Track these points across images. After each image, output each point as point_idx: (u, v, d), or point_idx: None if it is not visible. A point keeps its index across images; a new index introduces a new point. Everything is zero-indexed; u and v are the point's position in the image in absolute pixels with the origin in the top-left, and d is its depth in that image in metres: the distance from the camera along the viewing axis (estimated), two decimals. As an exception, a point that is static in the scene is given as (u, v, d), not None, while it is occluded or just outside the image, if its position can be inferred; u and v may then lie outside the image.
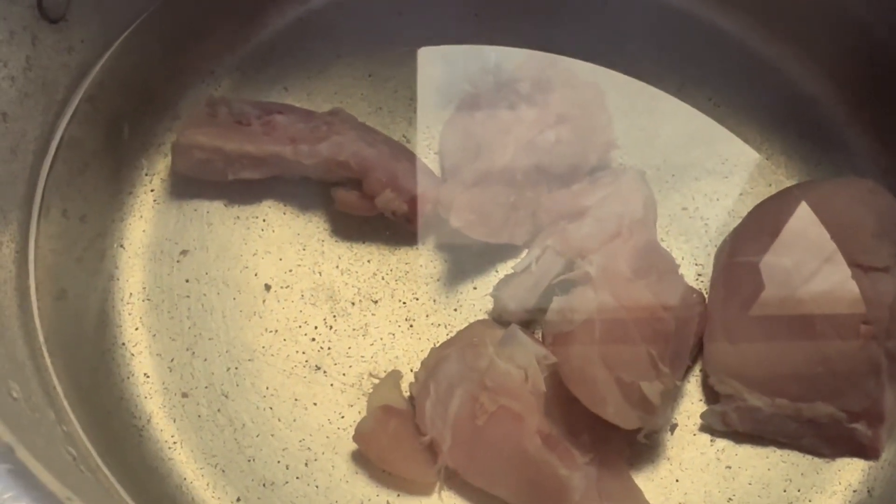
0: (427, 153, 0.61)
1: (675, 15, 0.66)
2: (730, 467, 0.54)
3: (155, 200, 0.59)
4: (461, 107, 0.62)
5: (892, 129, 0.62)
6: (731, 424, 0.54)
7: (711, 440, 0.54)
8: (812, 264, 0.53)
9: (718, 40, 0.66)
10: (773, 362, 0.54)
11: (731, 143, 0.63)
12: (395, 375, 0.54)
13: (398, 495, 0.52)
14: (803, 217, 0.54)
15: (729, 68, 0.65)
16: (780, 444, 0.54)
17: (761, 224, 0.56)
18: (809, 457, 0.54)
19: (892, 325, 0.52)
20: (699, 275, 0.59)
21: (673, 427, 0.54)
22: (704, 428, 0.55)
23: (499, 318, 0.56)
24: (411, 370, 0.55)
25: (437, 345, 0.55)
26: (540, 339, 0.54)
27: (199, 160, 0.57)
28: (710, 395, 0.55)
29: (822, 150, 0.63)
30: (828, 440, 0.54)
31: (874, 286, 0.52)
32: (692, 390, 0.56)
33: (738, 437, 0.54)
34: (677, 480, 0.53)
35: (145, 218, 0.58)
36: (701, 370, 0.56)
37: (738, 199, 0.61)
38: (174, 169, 0.58)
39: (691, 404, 0.55)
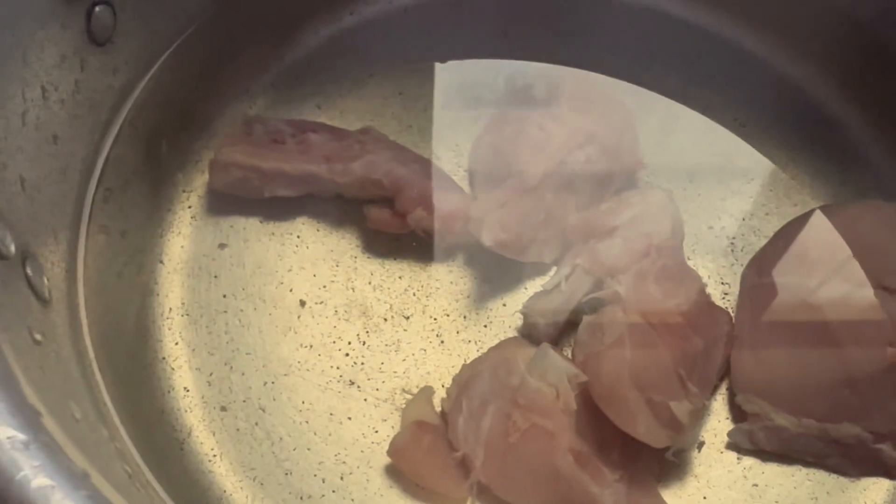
0: (457, 171, 0.62)
1: (703, 35, 0.67)
2: (756, 485, 0.54)
3: (193, 217, 0.60)
4: (490, 124, 0.63)
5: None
6: (758, 443, 0.55)
7: (738, 458, 0.55)
8: (838, 286, 0.54)
9: (745, 60, 0.67)
10: (800, 382, 0.54)
11: (757, 163, 0.64)
12: (427, 391, 0.55)
13: (431, 509, 0.53)
14: (829, 239, 0.55)
15: (755, 88, 0.66)
16: (807, 463, 0.55)
17: (788, 245, 0.57)
18: (835, 476, 0.55)
19: (919, 346, 0.53)
20: (725, 294, 0.60)
21: (700, 445, 0.55)
22: (731, 446, 0.55)
23: (528, 335, 0.57)
24: (442, 385, 0.56)
25: (468, 361, 0.56)
26: (570, 356, 0.55)
27: (236, 178, 0.58)
28: (738, 414, 0.56)
29: (848, 170, 0.64)
30: (853, 460, 0.54)
31: (901, 308, 0.53)
32: (719, 408, 0.57)
33: (765, 455, 0.55)
34: (705, 498, 0.54)
35: (183, 234, 0.59)
36: (728, 388, 0.57)
37: (763, 218, 0.62)
38: (211, 186, 0.60)
39: (718, 422, 0.56)
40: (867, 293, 0.53)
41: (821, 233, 0.56)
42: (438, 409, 0.55)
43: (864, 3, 0.62)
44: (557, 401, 0.52)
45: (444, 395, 0.55)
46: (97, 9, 0.50)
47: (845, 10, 0.63)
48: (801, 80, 0.66)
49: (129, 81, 0.56)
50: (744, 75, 0.66)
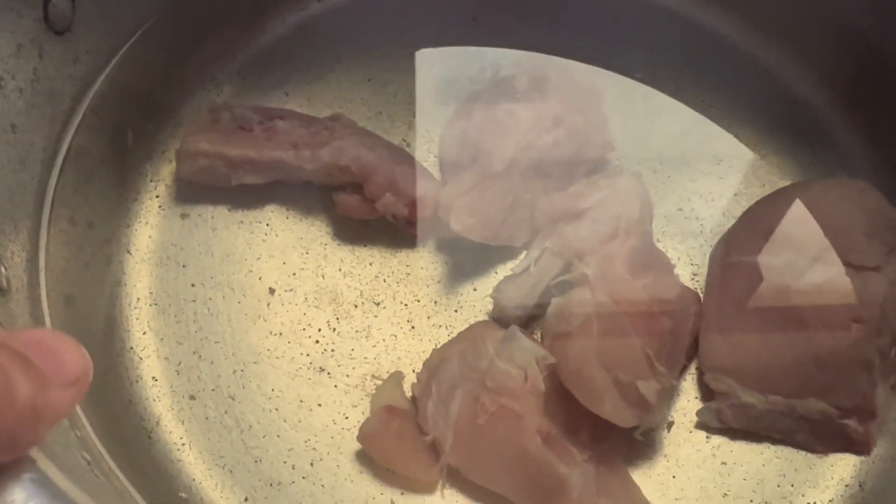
0: (427, 156, 0.62)
1: (671, 17, 0.67)
2: (725, 463, 0.55)
3: (160, 206, 0.60)
4: (459, 110, 0.63)
5: (884, 130, 0.63)
6: (726, 421, 0.55)
7: (707, 437, 0.56)
8: (804, 263, 0.54)
9: (713, 43, 0.67)
10: (767, 359, 0.55)
11: (726, 144, 0.64)
12: (397, 376, 0.55)
13: (402, 493, 0.53)
14: (795, 217, 0.55)
15: (724, 70, 0.66)
16: (774, 441, 0.55)
17: (755, 224, 0.57)
18: (803, 453, 0.55)
19: (882, 323, 0.53)
20: (695, 274, 0.60)
21: (669, 425, 0.56)
22: (700, 425, 0.56)
23: (498, 319, 0.57)
24: (413, 371, 0.56)
25: (439, 346, 0.57)
26: (539, 339, 0.55)
27: (202, 166, 0.58)
28: (706, 392, 0.56)
29: (816, 150, 0.64)
30: (820, 436, 0.55)
31: (865, 285, 0.53)
32: (688, 388, 0.57)
33: (734, 433, 0.55)
34: (674, 477, 0.54)
35: (151, 224, 0.59)
36: (697, 368, 0.57)
37: (732, 199, 0.63)
38: (178, 175, 0.59)
39: (687, 402, 0.57)
40: (834, 269, 0.54)
41: (787, 212, 0.56)
42: (409, 394, 0.55)
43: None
44: (526, 383, 0.52)
45: (415, 381, 0.55)
46: (53, -3, 0.50)
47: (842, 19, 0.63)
48: (769, 63, 0.66)
49: (91, 71, 0.55)
50: (712, 58, 0.66)
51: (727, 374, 0.55)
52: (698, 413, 0.56)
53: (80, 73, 0.54)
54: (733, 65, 0.66)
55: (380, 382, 0.55)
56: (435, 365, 0.54)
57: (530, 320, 0.57)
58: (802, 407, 0.54)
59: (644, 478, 0.54)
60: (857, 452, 0.55)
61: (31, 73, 0.50)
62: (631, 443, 0.54)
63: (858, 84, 0.63)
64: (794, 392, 0.54)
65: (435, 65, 0.65)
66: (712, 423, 0.56)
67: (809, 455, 0.55)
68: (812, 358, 0.54)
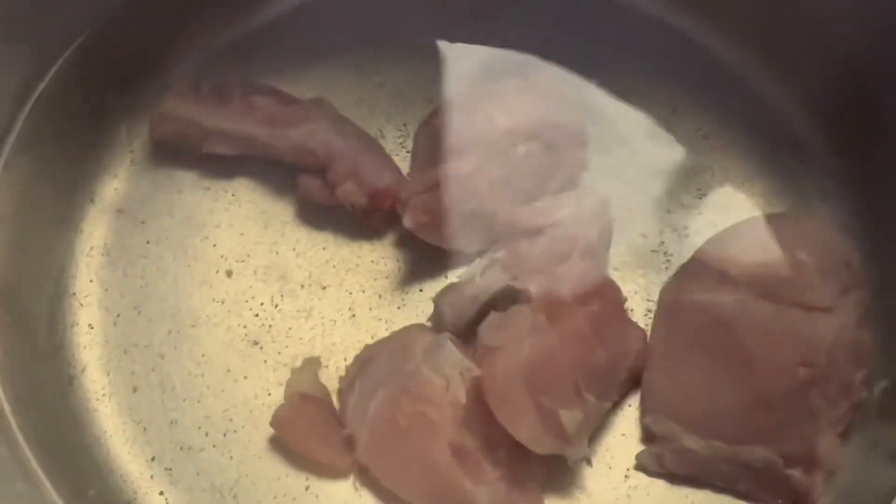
0: (399, 150, 0.62)
1: (677, 39, 0.65)
2: (638, 506, 0.54)
3: (132, 161, 0.61)
4: (440, 107, 0.62)
5: (878, 180, 0.60)
6: (667, 466, 0.54)
7: (626, 476, 0.54)
8: (753, 302, 0.52)
9: (717, 71, 0.64)
10: (711, 403, 0.53)
11: (712, 179, 0.62)
12: (312, 363, 0.55)
13: (307, 478, 0.53)
14: (747, 254, 0.54)
15: (724, 101, 0.64)
16: (717, 489, 0.54)
17: (706, 261, 0.55)
18: (726, 501, 0.53)
19: (831, 368, 0.51)
20: (648, 311, 0.58)
21: (590, 460, 0.54)
22: (639, 466, 0.54)
23: (437, 325, 0.56)
24: (344, 359, 0.56)
25: (375, 338, 0.56)
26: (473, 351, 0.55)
27: (175, 130, 0.59)
28: (647, 436, 0.55)
29: (806, 197, 0.61)
30: (764, 485, 0.53)
31: (815, 327, 0.51)
32: (617, 424, 0.56)
33: (654, 475, 0.54)
34: (587, 510, 0.53)
35: (119, 177, 0.60)
36: (630, 406, 0.56)
37: (707, 236, 0.59)
38: (151, 136, 0.60)
39: (612, 438, 0.55)
40: (782, 311, 0.52)
41: (739, 248, 0.54)
42: (338, 386, 0.55)
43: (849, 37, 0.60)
44: (446, 392, 0.52)
45: (343, 374, 0.55)
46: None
47: (826, 35, 0.60)
48: (773, 101, 0.64)
49: (82, 21, 0.57)
50: (713, 87, 0.64)
51: (669, 416, 0.54)
52: (637, 457, 0.54)
53: (63, 22, 0.56)
54: (735, 98, 0.64)
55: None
56: (363, 361, 0.54)
57: (468, 331, 0.56)
58: (746, 454, 0.52)
59: (556, 506, 0.53)
60: None
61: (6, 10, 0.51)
62: (550, 469, 0.53)
63: (863, 140, 0.61)
64: (738, 438, 0.53)
65: (424, 59, 0.65)
66: (652, 468, 0.54)
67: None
68: (757, 402, 0.52)
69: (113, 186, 0.60)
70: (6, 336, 0.52)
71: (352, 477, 0.53)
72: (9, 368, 0.50)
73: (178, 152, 0.61)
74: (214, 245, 0.59)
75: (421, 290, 0.59)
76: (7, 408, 0.48)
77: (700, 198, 0.62)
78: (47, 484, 0.47)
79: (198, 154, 0.60)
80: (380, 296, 0.58)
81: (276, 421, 0.53)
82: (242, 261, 0.59)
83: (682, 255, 0.60)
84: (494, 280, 0.56)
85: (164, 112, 0.59)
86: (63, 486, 0.48)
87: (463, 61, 0.65)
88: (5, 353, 0.51)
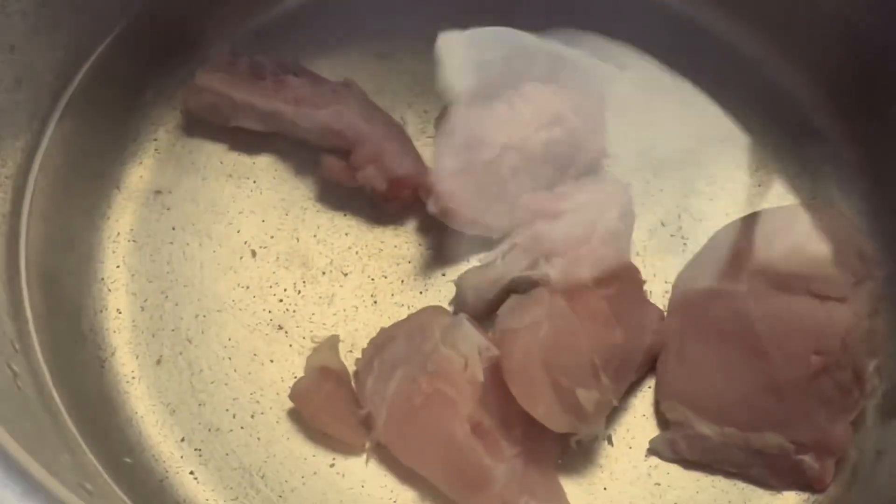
0: (420, 137, 0.63)
1: (696, 31, 0.66)
2: (659, 484, 0.54)
3: (156, 149, 0.62)
4: (461, 97, 0.62)
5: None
6: (680, 452, 0.54)
7: (645, 456, 0.55)
8: (767, 291, 0.53)
9: (736, 61, 0.65)
10: (724, 390, 0.54)
11: (725, 166, 0.63)
12: (333, 339, 0.56)
13: (333, 458, 0.54)
14: (762, 243, 0.54)
15: (740, 91, 0.65)
16: (729, 474, 0.54)
17: (720, 249, 0.56)
18: (740, 486, 0.54)
19: (844, 356, 0.52)
20: (666, 293, 0.59)
21: (609, 438, 0.55)
22: (652, 452, 0.55)
23: (459, 308, 0.57)
24: (367, 344, 0.57)
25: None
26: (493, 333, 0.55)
27: (207, 102, 0.60)
28: (662, 422, 0.56)
29: (820, 187, 0.62)
30: (776, 471, 0.54)
31: (829, 316, 0.52)
32: (636, 405, 0.56)
33: (668, 460, 0.55)
34: (605, 489, 0.54)
35: (144, 165, 0.61)
36: (650, 387, 0.57)
37: (721, 221, 0.60)
38: (183, 106, 0.62)
39: (633, 418, 0.56)
40: (796, 300, 0.52)
41: (754, 237, 0.55)
42: (353, 368, 0.56)
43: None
44: (465, 371, 0.53)
45: (360, 356, 0.56)
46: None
47: (843, 23, 0.61)
48: (791, 90, 0.65)
49: (110, 14, 0.58)
50: (731, 77, 0.65)
51: (683, 403, 0.55)
52: (651, 442, 0.55)
53: (98, 14, 0.57)
54: (752, 88, 0.65)
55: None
56: (381, 343, 0.55)
57: (490, 313, 0.57)
58: (758, 441, 0.53)
59: (574, 485, 0.54)
60: (812, 490, 0.54)
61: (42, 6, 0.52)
62: (566, 447, 0.54)
63: (878, 124, 0.61)
64: (751, 425, 0.53)
65: (447, 48, 0.65)
66: (666, 454, 0.55)
67: (746, 489, 0.54)
68: (770, 389, 0.53)
69: (138, 174, 0.61)
70: (48, 319, 0.53)
71: (366, 459, 0.54)
72: (52, 349, 0.51)
73: (201, 139, 0.62)
74: (238, 231, 0.60)
75: (443, 275, 0.59)
76: (52, 386, 0.49)
77: (714, 184, 0.63)
78: (90, 455, 0.48)
79: (226, 125, 0.61)
80: (402, 281, 0.59)
81: (295, 393, 0.54)
82: (265, 247, 0.60)
83: (697, 238, 0.61)
84: (515, 264, 0.57)
85: (199, 83, 0.60)
86: (102, 457, 0.49)
87: (484, 50, 0.65)
88: (48, 335, 0.52)
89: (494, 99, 0.61)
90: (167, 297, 0.58)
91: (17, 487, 0.34)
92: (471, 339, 0.53)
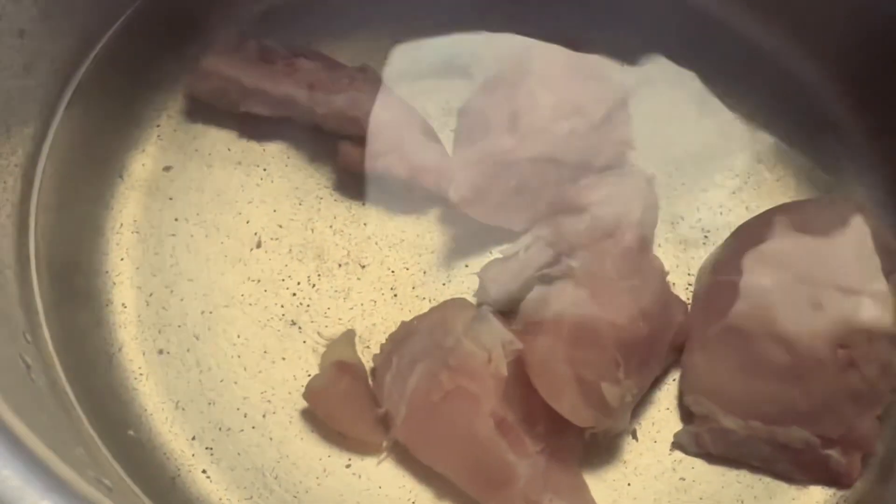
0: (442, 129, 0.61)
1: (714, 25, 0.65)
2: (683, 479, 0.53)
3: (159, 136, 0.60)
4: (483, 86, 0.61)
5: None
6: (705, 446, 0.53)
7: (670, 450, 0.54)
8: (792, 285, 0.52)
9: (754, 55, 0.64)
10: (750, 383, 0.53)
11: (746, 160, 0.62)
12: (349, 334, 0.54)
13: (349, 459, 0.52)
14: (786, 237, 0.53)
15: (759, 85, 0.64)
16: (755, 469, 0.54)
17: (744, 243, 0.55)
18: (766, 480, 0.53)
19: (870, 350, 0.51)
20: (689, 285, 0.58)
21: (634, 432, 0.54)
22: (677, 446, 0.54)
23: (481, 300, 0.56)
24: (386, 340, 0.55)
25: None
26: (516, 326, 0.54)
27: (215, 86, 0.58)
28: (686, 415, 0.55)
29: (839, 179, 0.62)
30: (802, 466, 0.53)
31: (854, 310, 0.51)
32: (660, 399, 0.55)
33: (692, 454, 0.54)
34: (629, 484, 0.53)
35: (147, 152, 0.59)
36: (675, 381, 0.55)
37: (742, 215, 0.60)
38: (190, 91, 0.59)
39: (657, 412, 0.55)
40: (821, 293, 0.51)
41: (778, 231, 0.54)
42: (370, 364, 0.54)
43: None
44: (488, 365, 0.51)
45: (377, 352, 0.54)
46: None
47: (863, 14, 0.60)
48: (808, 84, 0.63)
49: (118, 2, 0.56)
50: (749, 71, 0.64)
51: (708, 396, 0.54)
52: (676, 436, 0.54)
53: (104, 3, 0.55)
54: (770, 82, 0.64)
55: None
56: (400, 338, 0.53)
57: (512, 306, 0.55)
58: (784, 435, 0.52)
59: (598, 480, 0.53)
60: (839, 485, 0.53)
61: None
62: (589, 443, 0.52)
63: (892, 110, 0.61)
64: (777, 419, 0.52)
65: (466, 37, 0.64)
66: (690, 448, 0.54)
67: (772, 484, 0.53)
68: (796, 383, 0.52)
69: (141, 162, 0.59)
70: (58, 311, 0.51)
71: (380, 459, 0.53)
72: (62, 342, 0.49)
73: (206, 127, 0.60)
74: (247, 222, 0.58)
75: (466, 266, 0.58)
76: (64, 381, 0.47)
77: (735, 178, 0.62)
78: (104, 450, 0.46)
79: (235, 111, 0.58)
80: (424, 272, 0.57)
81: (310, 391, 0.52)
82: (277, 238, 0.58)
83: (718, 231, 0.60)
84: (539, 256, 0.55)
85: (205, 67, 0.58)
86: (114, 452, 0.48)
87: (504, 41, 0.63)
88: (58, 327, 0.50)
89: (516, 89, 0.59)
90: (172, 291, 0.56)
91: (39, 483, 0.32)
92: (495, 332, 0.51)
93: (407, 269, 0.58)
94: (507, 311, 0.54)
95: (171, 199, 0.58)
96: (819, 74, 0.63)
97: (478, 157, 0.57)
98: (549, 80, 0.58)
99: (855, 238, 0.53)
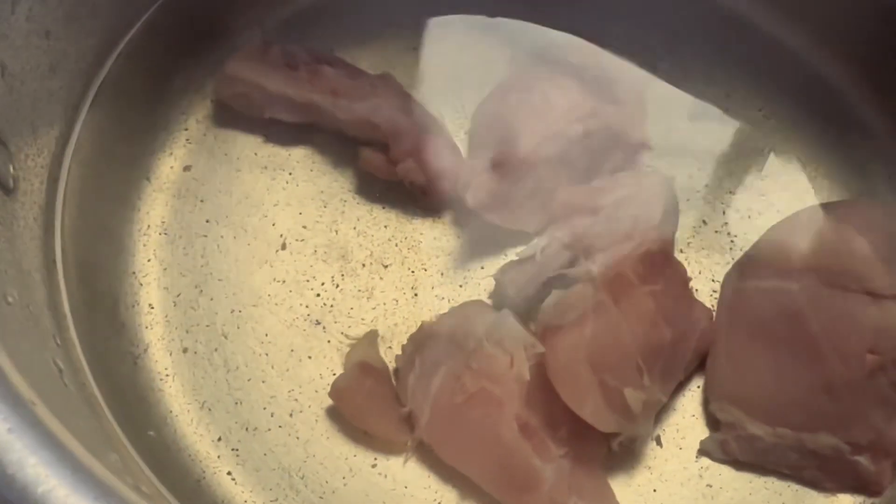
0: (457, 132, 0.61)
1: (735, 21, 0.64)
2: (710, 486, 0.53)
3: (188, 139, 0.60)
4: (497, 89, 0.61)
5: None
6: (732, 453, 0.53)
7: (696, 457, 0.53)
8: (820, 289, 0.52)
9: (777, 52, 0.63)
10: (777, 390, 0.52)
11: (774, 160, 0.62)
12: (372, 335, 0.55)
13: (375, 458, 0.53)
14: (814, 241, 0.53)
15: (785, 82, 0.63)
16: (782, 476, 0.53)
17: (771, 247, 0.55)
18: (794, 487, 0.53)
19: (900, 355, 0.50)
20: (713, 291, 0.58)
21: (658, 438, 0.54)
22: (703, 453, 0.54)
23: (498, 302, 0.56)
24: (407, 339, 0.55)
25: (436, 318, 0.55)
26: (532, 328, 0.54)
27: (239, 92, 0.59)
28: (712, 422, 0.54)
29: (870, 180, 0.61)
30: (830, 473, 0.52)
31: (883, 315, 0.50)
32: (685, 405, 0.55)
33: (719, 461, 0.53)
34: (655, 490, 0.53)
35: (175, 156, 0.60)
36: (699, 387, 0.55)
37: (771, 218, 0.58)
38: (215, 96, 0.60)
39: (682, 418, 0.55)
40: (850, 298, 0.51)
41: (806, 235, 0.53)
42: (392, 364, 0.54)
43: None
44: (511, 369, 0.51)
45: (399, 353, 0.54)
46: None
47: (888, 12, 0.59)
48: (834, 80, 0.63)
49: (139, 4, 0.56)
50: (774, 68, 0.63)
51: (734, 403, 0.53)
52: (702, 443, 0.54)
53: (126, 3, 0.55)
54: (796, 79, 0.63)
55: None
56: (422, 339, 0.53)
57: (529, 309, 0.55)
58: (812, 441, 0.52)
59: (624, 486, 0.53)
60: (868, 493, 0.52)
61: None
62: (619, 450, 0.52)
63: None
64: (804, 425, 0.52)
65: (482, 42, 0.64)
66: (717, 455, 0.53)
67: (800, 491, 0.53)
68: (824, 389, 0.51)
69: (169, 165, 0.59)
70: (85, 314, 0.51)
71: (405, 459, 0.53)
72: (89, 345, 0.50)
73: (234, 130, 0.60)
74: (273, 224, 0.58)
75: (482, 268, 0.58)
76: (93, 384, 0.47)
77: (762, 179, 0.61)
78: (134, 455, 0.47)
79: (258, 125, 0.59)
80: (442, 273, 0.58)
81: (335, 390, 0.52)
82: (302, 240, 0.58)
83: (746, 236, 0.59)
84: (556, 258, 0.55)
85: (230, 73, 0.58)
86: (143, 456, 0.48)
87: (518, 43, 0.63)
88: (85, 330, 0.50)
89: (530, 91, 0.59)
90: (201, 291, 0.56)
91: (88, 492, 0.32)
92: (516, 335, 0.51)
93: (426, 270, 0.58)
94: (524, 313, 0.54)
95: (201, 201, 0.59)
96: (847, 76, 0.63)
97: (493, 161, 0.57)
98: (563, 82, 0.58)
99: (883, 242, 0.52)
